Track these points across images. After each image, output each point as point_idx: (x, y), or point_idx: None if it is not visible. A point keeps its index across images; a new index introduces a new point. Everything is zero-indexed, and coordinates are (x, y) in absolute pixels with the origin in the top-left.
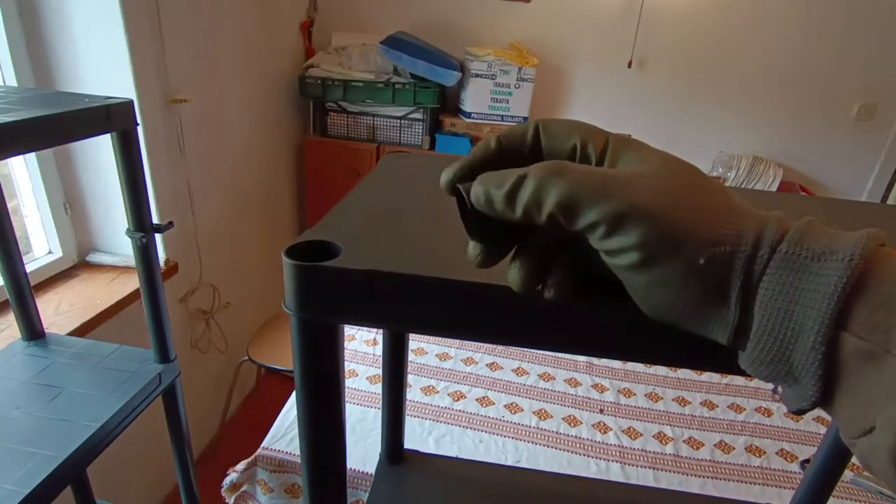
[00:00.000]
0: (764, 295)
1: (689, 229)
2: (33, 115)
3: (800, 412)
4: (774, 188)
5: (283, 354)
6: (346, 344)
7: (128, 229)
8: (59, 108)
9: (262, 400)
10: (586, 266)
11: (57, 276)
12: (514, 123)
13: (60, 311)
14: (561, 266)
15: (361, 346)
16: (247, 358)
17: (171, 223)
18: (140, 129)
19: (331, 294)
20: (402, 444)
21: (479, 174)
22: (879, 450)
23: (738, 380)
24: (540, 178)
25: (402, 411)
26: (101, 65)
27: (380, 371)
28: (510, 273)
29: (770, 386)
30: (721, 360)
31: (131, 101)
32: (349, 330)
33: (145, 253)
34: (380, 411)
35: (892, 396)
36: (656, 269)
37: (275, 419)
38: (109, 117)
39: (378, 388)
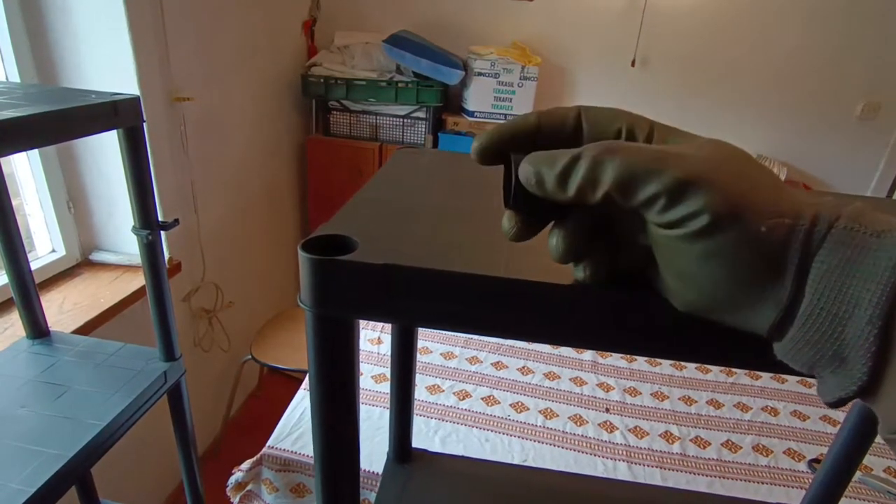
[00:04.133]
0: (818, 269)
1: (751, 198)
2: (40, 111)
3: (838, 403)
4: None
5: (287, 354)
6: None
7: (133, 226)
8: (66, 103)
9: (265, 399)
10: (615, 257)
11: (60, 275)
12: None
13: (64, 309)
14: (596, 250)
15: (365, 344)
16: (250, 357)
17: (176, 220)
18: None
19: (348, 289)
20: (409, 443)
21: (512, 146)
22: None
23: (744, 379)
24: (594, 156)
25: (410, 410)
26: (104, 62)
27: (384, 370)
28: (552, 240)
29: (776, 384)
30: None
31: (138, 98)
32: None
33: (151, 250)
34: (385, 410)
35: None
36: (718, 236)
37: (277, 418)
38: (117, 113)
39: (382, 388)
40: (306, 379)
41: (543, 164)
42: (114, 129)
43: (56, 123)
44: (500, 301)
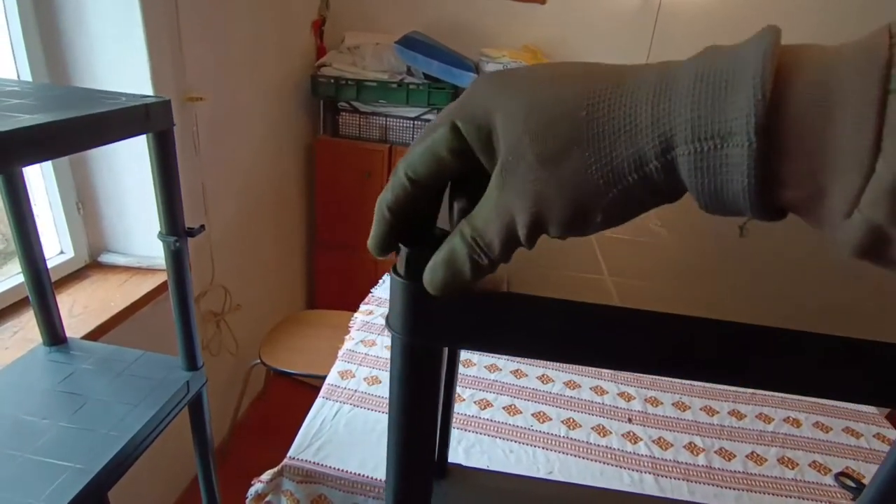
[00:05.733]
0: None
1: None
2: (75, 115)
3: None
4: None
5: (295, 358)
6: (345, 345)
7: (160, 233)
8: (95, 107)
9: (271, 403)
10: None
11: (68, 277)
12: None
13: (74, 313)
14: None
15: (359, 346)
16: (258, 361)
17: (202, 227)
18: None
19: (446, 317)
20: (446, 459)
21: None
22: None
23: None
24: (471, 230)
25: (449, 426)
26: (118, 61)
27: (378, 373)
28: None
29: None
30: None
31: (168, 101)
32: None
33: (177, 257)
34: (381, 415)
35: None
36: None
37: (285, 422)
38: (149, 117)
39: (373, 390)
40: (324, 386)
41: (447, 270)
42: (145, 133)
43: (89, 129)
44: (620, 332)
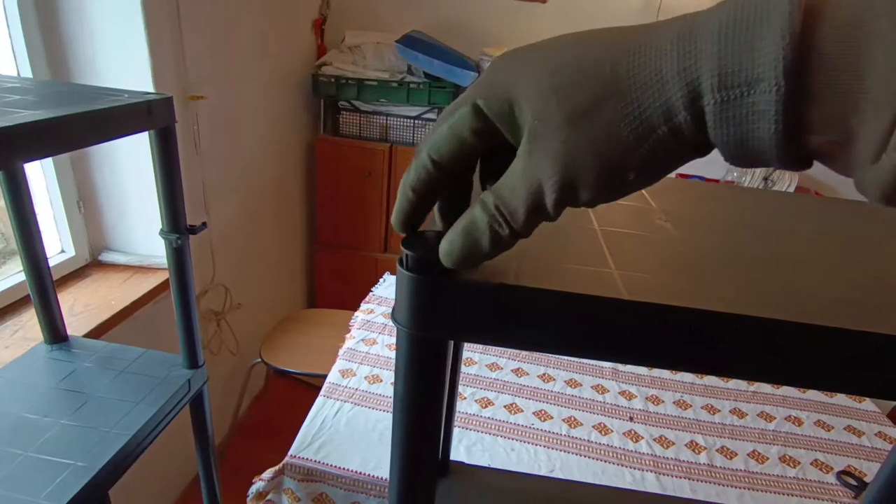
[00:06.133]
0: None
1: None
2: (77, 111)
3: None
4: None
5: (296, 357)
6: (346, 343)
7: (161, 230)
8: (98, 103)
9: (271, 402)
10: None
11: (69, 276)
12: None
13: (75, 311)
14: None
15: (360, 345)
16: (259, 360)
17: (204, 224)
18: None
19: (453, 310)
20: (448, 457)
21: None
22: None
23: (766, 388)
24: (493, 199)
25: (452, 424)
26: (119, 59)
27: (378, 371)
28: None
29: (797, 394)
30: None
31: (170, 97)
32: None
33: (179, 255)
34: (383, 413)
35: None
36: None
37: (285, 421)
38: (151, 113)
39: (376, 389)
40: (325, 385)
41: (464, 240)
42: (147, 130)
43: (91, 125)
44: (632, 326)
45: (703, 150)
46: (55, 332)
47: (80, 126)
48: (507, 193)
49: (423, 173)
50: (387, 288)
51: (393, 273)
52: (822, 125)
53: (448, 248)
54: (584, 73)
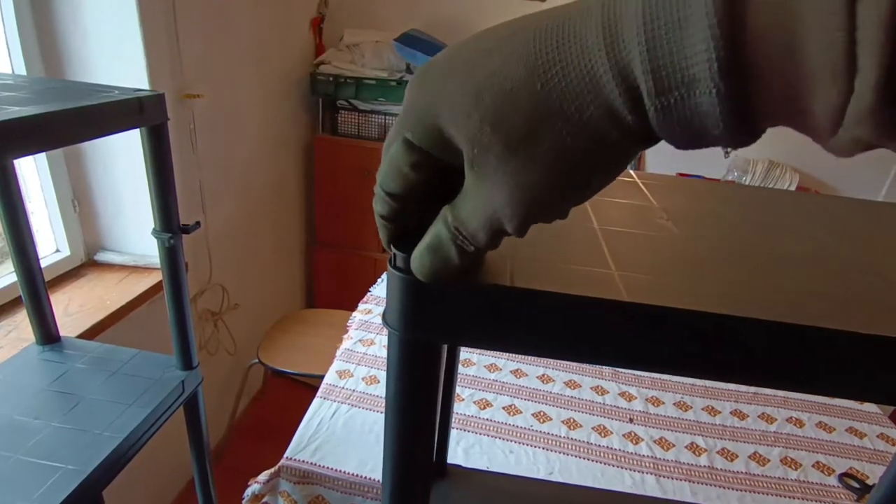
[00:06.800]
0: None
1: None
2: (65, 108)
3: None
4: None
5: (295, 357)
6: (343, 344)
7: (154, 229)
8: (88, 100)
9: (269, 402)
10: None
11: (64, 276)
12: None
13: (69, 311)
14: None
15: (357, 346)
16: (256, 361)
17: (198, 223)
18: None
19: (445, 312)
20: (445, 459)
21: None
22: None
23: (766, 389)
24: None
25: (448, 426)
26: (114, 56)
27: (376, 372)
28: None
29: (798, 395)
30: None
31: (162, 94)
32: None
33: (172, 254)
34: (378, 414)
35: None
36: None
37: (283, 422)
38: (142, 110)
39: (372, 390)
40: (322, 386)
41: (433, 258)
42: (138, 127)
43: (81, 121)
44: (629, 329)
45: (657, 140)
46: (47, 333)
47: (69, 122)
48: (464, 216)
49: (384, 205)
50: (385, 288)
51: None
52: (771, 111)
53: (418, 265)
54: (510, 94)
